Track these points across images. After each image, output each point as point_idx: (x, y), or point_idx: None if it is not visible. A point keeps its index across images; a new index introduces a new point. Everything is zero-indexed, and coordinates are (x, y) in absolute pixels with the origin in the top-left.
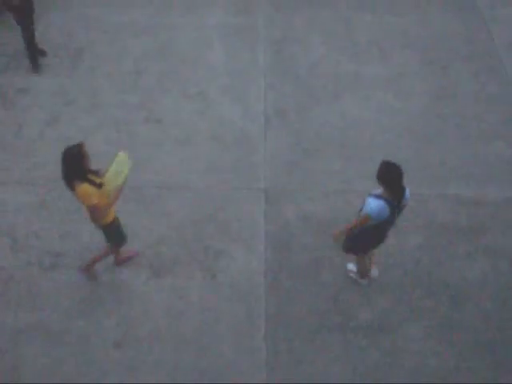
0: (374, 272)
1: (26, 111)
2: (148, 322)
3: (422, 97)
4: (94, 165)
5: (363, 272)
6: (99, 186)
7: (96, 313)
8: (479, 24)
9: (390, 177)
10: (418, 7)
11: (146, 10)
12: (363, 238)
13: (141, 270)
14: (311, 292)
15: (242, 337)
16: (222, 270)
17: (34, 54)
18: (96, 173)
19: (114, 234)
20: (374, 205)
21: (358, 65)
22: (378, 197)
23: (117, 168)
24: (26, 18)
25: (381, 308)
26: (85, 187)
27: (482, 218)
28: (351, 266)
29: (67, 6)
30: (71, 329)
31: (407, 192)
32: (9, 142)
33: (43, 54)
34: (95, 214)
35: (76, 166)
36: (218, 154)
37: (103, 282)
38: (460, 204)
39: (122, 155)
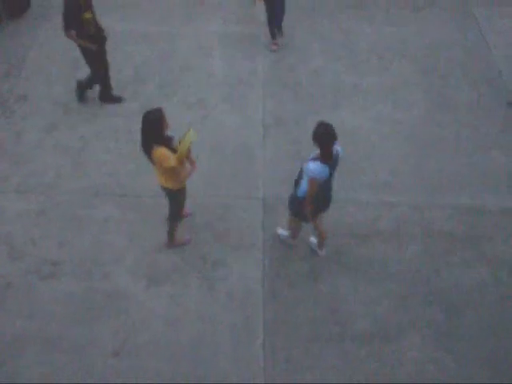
0: (321, 252)
1: (26, 119)
2: (146, 330)
3: (421, 106)
4: (92, 171)
5: (295, 233)
6: (174, 150)
7: (94, 321)
8: (477, 34)
9: (325, 136)
10: (417, 18)
11: (146, 18)
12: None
13: (139, 277)
14: (309, 301)
15: (240, 345)
16: (220, 278)
17: (85, 89)
18: (170, 139)
19: (180, 201)
20: (313, 167)
21: (358, 74)
22: (314, 159)
23: (187, 139)
24: (99, 51)
25: (379, 317)
26: (163, 150)
27: (480, 227)
28: (282, 231)
29: None
30: (69, 337)
31: (340, 150)
32: (8, 149)
33: (118, 100)
34: (172, 176)
35: (156, 129)
36: (216, 163)
37: (101, 290)
38: (458, 213)
39: (193, 131)
